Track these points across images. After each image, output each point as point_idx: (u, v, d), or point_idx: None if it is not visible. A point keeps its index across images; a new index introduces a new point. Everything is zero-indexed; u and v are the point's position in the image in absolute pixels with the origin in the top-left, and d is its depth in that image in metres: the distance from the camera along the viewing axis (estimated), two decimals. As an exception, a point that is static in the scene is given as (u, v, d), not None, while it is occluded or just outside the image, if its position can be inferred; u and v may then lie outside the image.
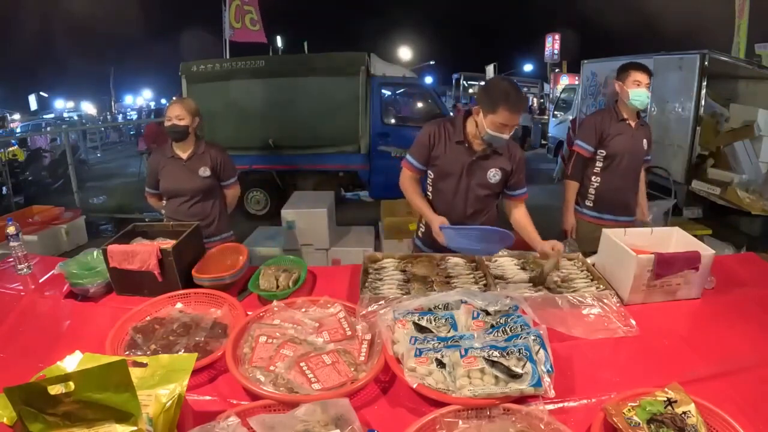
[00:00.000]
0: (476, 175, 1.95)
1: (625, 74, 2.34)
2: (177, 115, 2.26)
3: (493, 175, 1.95)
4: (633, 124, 2.41)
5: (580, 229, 2.56)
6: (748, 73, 4.99)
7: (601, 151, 2.43)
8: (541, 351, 1.15)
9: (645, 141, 2.45)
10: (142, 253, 1.68)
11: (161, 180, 2.38)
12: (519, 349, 1.11)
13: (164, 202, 2.45)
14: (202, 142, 2.39)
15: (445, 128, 1.95)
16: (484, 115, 1.80)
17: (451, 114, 7.51)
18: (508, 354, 1.11)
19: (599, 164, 2.46)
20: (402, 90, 7.14)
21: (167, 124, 2.28)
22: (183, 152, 2.35)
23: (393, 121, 6.16)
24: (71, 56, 28.81)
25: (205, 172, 2.35)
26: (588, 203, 2.53)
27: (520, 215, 2.01)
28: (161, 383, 0.94)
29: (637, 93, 2.30)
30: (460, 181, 1.96)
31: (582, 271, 1.83)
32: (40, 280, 1.87)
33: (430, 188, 2.05)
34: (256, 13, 7.40)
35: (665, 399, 1.04)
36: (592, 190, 2.50)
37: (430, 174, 2.02)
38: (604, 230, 1.86)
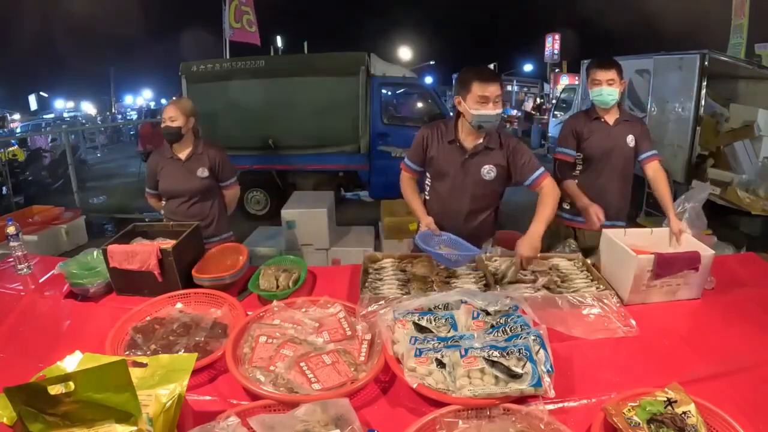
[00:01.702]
0: (470, 174, 1.95)
1: (588, 74, 2.30)
2: (170, 116, 2.25)
3: (487, 172, 1.94)
4: (611, 121, 2.30)
5: (554, 231, 2.46)
6: (748, 73, 4.99)
7: (579, 153, 2.35)
8: (541, 351, 1.15)
9: (631, 137, 2.27)
10: (142, 253, 1.68)
11: (160, 181, 2.37)
12: (519, 349, 1.11)
13: (164, 202, 2.45)
14: (201, 143, 2.38)
15: (439, 129, 1.98)
16: (464, 100, 1.82)
17: (451, 114, 7.49)
18: (508, 354, 1.11)
19: (579, 167, 2.37)
20: (402, 90, 7.13)
21: (162, 125, 2.28)
22: (181, 153, 2.35)
23: (393, 121, 6.15)
24: (71, 56, 28.79)
25: (203, 172, 2.34)
26: (565, 205, 2.44)
27: (539, 199, 1.91)
28: (161, 383, 0.94)
29: (596, 92, 2.23)
30: (455, 181, 1.97)
31: (582, 271, 1.83)
32: (40, 280, 1.87)
33: (428, 188, 2.07)
34: (253, 14, 7.40)
35: (665, 399, 1.04)
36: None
37: (428, 175, 2.05)
38: (605, 230, 1.86)
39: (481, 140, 1.92)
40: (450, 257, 1.73)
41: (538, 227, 1.80)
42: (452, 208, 1.99)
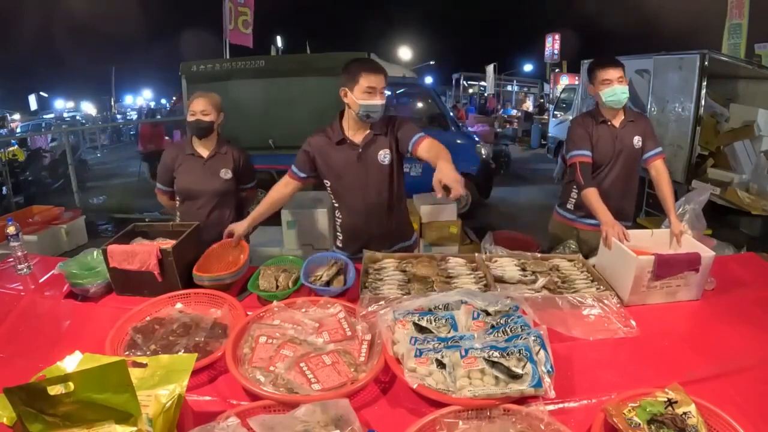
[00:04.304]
0: (369, 165, 1.95)
1: (593, 75, 2.19)
2: (202, 110, 2.15)
3: (384, 157, 1.95)
4: (617, 123, 2.23)
5: (555, 230, 2.49)
6: (748, 73, 4.99)
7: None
8: (542, 351, 1.15)
9: (637, 138, 2.22)
10: (142, 253, 1.68)
11: (177, 178, 2.25)
12: (519, 350, 1.11)
13: (177, 202, 2.33)
14: (224, 142, 2.28)
15: (325, 135, 1.98)
16: (351, 92, 1.83)
17: (452, 114, 7.54)
18: (508, 354, 1.11)
19: None
20: (402, 90, 7.14)
21: (191, 119, 2.16)
22: (205, 150, 2.24)
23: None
24: (71, 56, 28.88)
25: (226, 174, 2.24)
26: (569, 206, 2.42)
27: (433, 154, 1.81)
28: (161, 383, 0.94)
29: (609, 92, 2.12)
30: (358, 178, 1.97)
31: (582, 272, 1.83)
32: (40, 280, 1.87)
33: (334, 200, 2.07)
34: (250, 15, 7.34)
35: (665, 399, 1.04)
36: (574, 195, 2.38)
37: (328, 183, 2.04)
38: (605, 231, 1.85)
39: (368, 131, 1.94)
40: (318, 292, 1.67)
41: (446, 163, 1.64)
42: (368, 205, 1.98)
